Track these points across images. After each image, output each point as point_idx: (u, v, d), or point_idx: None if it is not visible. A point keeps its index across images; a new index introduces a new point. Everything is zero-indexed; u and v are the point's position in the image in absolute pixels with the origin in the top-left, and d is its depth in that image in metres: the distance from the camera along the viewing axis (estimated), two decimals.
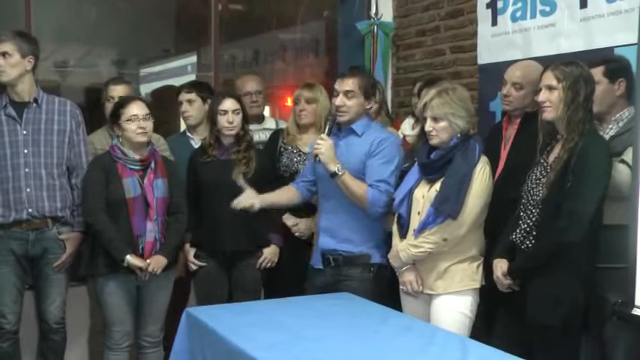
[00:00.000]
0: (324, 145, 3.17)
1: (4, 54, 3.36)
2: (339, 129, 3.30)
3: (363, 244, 3.26)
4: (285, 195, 3.44)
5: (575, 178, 2.70)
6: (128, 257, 3.29)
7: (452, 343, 2.48)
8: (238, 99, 3.68)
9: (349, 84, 3.22)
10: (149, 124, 3.37)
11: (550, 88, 2.80)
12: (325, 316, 2.80)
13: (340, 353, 2.37)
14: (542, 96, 2.83)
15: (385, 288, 3.29)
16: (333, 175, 3.17)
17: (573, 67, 2.79)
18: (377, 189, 3.16)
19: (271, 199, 3.36)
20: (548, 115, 2.82)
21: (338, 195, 3.23)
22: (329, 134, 3.23)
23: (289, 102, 4.48)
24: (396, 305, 3.12)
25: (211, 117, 3.60)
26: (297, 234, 3.78)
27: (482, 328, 3.17)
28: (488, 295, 3.05)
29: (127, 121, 3.33)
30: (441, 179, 2.95)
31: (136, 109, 3.35)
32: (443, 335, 2.59)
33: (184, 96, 3.99)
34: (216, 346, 2.57)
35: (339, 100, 3.23)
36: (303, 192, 3.44)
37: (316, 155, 3.18)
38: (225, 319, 2.72)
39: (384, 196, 3.15)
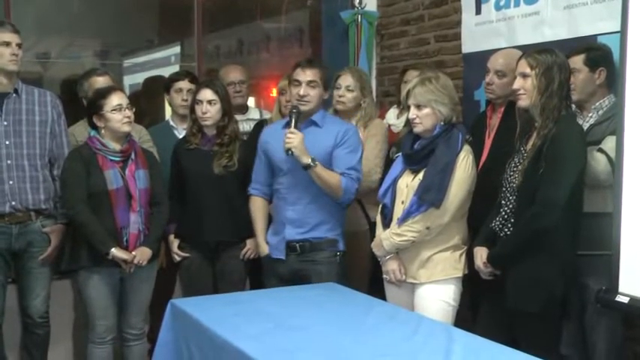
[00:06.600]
0: (295, 138, 3.18)
1: (19, 45, 3.35)
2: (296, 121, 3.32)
3: (329, 231, 3.32)
4: (263, 213, 3.46)
5: (548, 164, 2.70)
6: (113, 250, 3.24)
7: (437, 331, 2.48)
8: (224, 89, 3.64)
9: (312, 74, 3.28)
10: (132, 113, 3.35)
11: (524, 75, 2.82)
12: (311, 306, 2.80)
13: (326, 343, 2.36)
14: (517, 84, 2.85)
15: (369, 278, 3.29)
16: (307, 167, 3.18)
17: (547, 55, 2.80)
18: (349, 177, 3.24)
19: (262, 229, 3.44)
20: (523, 102, 2.84)
21: (306, 186, 3.25)
22: (296, 127, 3.23)
23: (274, 92, 4.46)
24: (379, 295, 3.11)
25: (192, 106, 3.59)
26: None
27: (469, 317, 3.18)
28: (473, 284, 3.06)
29: (112, 111, 3.28)
30: (425, 169, 2.95)
31: (119, 98, 3.32)
32: (428, 324, 2.59)
33: (188, 85, 3.93)
34: (201, 336, 2.56)
35: (303, 90, 3.27)
36: (267, 195, 3.46)
37: (288, 149, 3.18)
38: (209, 310, 2.71)
39: (355, 183, 3.25)
